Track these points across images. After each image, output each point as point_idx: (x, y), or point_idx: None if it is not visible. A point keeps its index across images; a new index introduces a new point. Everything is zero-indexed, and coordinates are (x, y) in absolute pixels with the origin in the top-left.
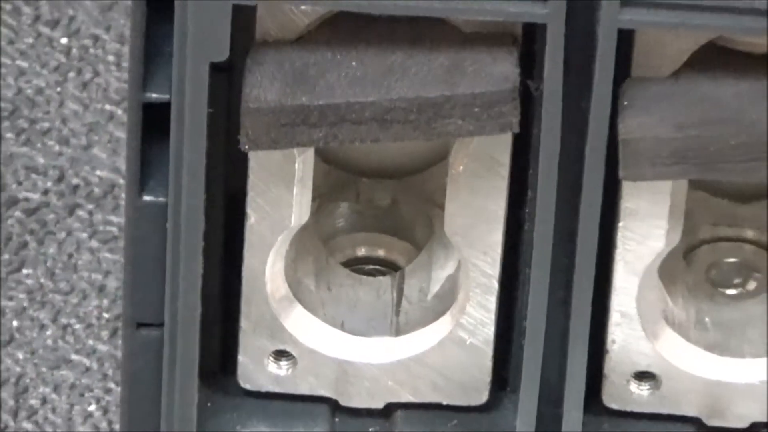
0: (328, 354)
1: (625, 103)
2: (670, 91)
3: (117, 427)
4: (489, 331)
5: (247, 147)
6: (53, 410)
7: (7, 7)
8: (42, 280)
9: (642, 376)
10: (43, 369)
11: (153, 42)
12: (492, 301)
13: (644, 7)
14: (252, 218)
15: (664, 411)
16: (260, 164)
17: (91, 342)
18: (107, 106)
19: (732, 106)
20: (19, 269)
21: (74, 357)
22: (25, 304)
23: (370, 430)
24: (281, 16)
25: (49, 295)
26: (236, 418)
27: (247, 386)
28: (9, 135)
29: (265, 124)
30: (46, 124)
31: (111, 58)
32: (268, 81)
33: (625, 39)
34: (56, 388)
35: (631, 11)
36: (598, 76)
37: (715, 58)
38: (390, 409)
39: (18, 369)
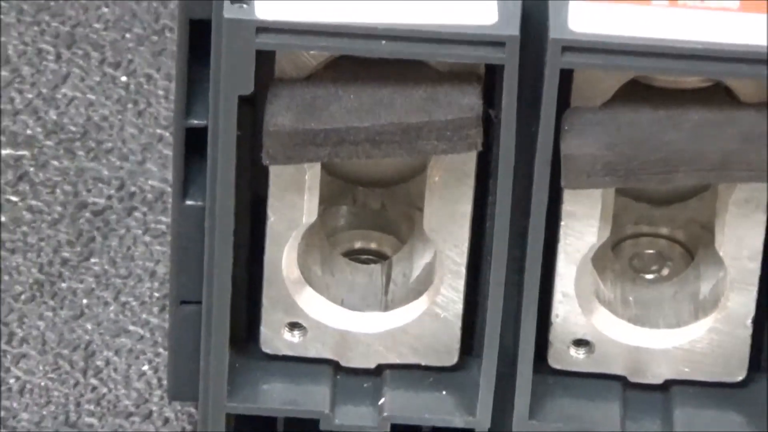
0: (331, 325)
1: (566, 127)
2: (602, 118)
3: (165, 383)
4: (458, 307)
5: (267, 162)
6: (114, 370)
7: (79, 52)
8: (106, 267)
9: (579, 343)
10: (107, 337)
11: (193, 79)
12: (461, 284)
13: (580, 52)
14: (272, 218)
15: (597, 371)
16: (278, 175)
17: (144, 316)
18: (158, 130)
19: (650, 130)
20: (87, 258)
21: (131, 328)
22: (93, 285)
23: (365, 385)
24: (295, 59)
25: (111, 279)
26: (259, 376)
27: (268, 351)
28: (80, 153)
29: (281, 144)
30: (110, 144)
31: (161, 92)
32: (284, 110)
33: (566, 77)
34: (117, 352)
35: (571, 55)
36: (544, 106)
37: (637, 92)
38: (380, 369)
39: (87, 337)
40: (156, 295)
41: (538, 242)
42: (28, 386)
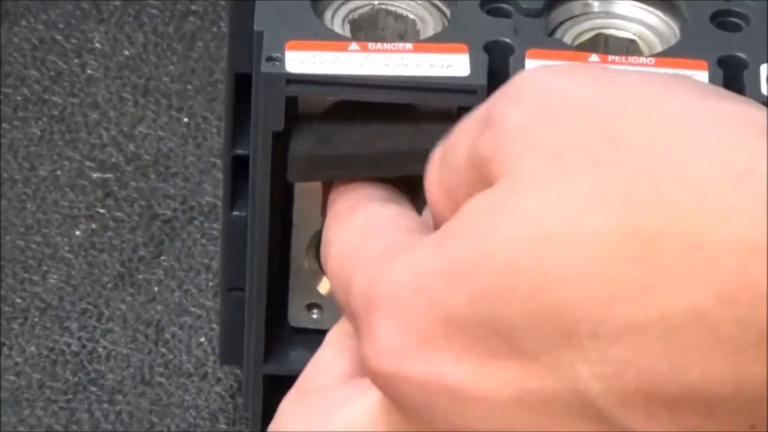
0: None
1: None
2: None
3: (216, 351)
4: None
5: (292, 180)
6: (179, 341)
7: (152, 99)
8: (172, 263)
9: None
10: (173, 316)
11: (238, 119)
12: None
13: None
14: (296, 222)
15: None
16: (301, 189)
17: (201, 300)
18: (211, 159)
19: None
20: (158, 256)
21: (191, 309)
22: (162, 277)
23: None
24: (313, 100)
25: (176, 272)
26: (288, 345)
27: (294, 325)
28: (153, 176)
29: (302, 167)
30: (175, 169)
31: (214, 129)
32: (304, 140)
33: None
34: (180, 327)
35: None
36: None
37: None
38: None
39: (158, 316)
40: (210, 284)
41: None
42: (113, 353)
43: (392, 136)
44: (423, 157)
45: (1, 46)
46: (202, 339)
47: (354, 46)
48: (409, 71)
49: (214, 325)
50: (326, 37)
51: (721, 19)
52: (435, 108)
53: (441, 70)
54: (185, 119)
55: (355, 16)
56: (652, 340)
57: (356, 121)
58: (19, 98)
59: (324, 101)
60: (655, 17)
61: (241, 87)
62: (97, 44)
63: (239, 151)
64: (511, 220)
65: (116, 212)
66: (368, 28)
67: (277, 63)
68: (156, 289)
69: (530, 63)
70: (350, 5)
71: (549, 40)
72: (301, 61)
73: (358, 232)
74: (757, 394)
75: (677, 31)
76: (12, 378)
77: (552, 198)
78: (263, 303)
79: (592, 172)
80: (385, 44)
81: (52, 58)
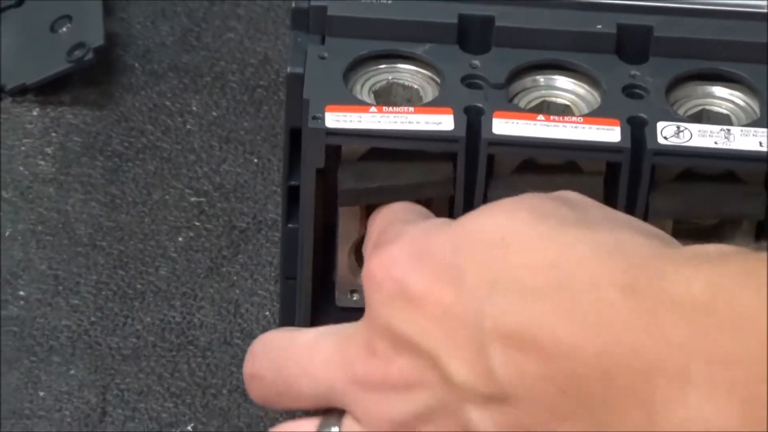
0: None
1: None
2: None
3: (277, 322)
4: None
5: (341, 205)
6: (251, 314)
7: (231, 146)
8: (246, 260)
9: None
10: (247, 296)
11: (292, 159)
12: None
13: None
14: (340, 232)
15: None
16: (344, 210)
17: (267, 285)
18: (273, 187)
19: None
20: (236, 255)
21: (260, 292)
22: (239, 270)
23: None
24: (352, 147)
25: (249, 266)
26: (334, 319)
27: (339, 305)
28: (232, 199)
29: (348, 196)
30: (248, 195)
31: (275, 167)
32: (348, 177)
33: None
34: (252, 305)
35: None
36: None
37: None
38: None
39: (236, 297)
40: (272, 274)
41: None
42: (204, 323)
43: (408, 172)
44: (431, 186)
45: (128, 109)
46: (267, 313)
47: (373, 109)
48: (411, 126)
49: (276, 303)
50: (353, 103)
51: (629, 90)
52: (433, 152)
53: (433, 126)
54: (255, 160)
55: (376, 88)
56: None
57: (383, 162)
58: (139, 145)
59: (359, 148)
60: (582, 89)
61: (295, 137)
62: (194, 108)
63: (293, 182)
64: None
65: (207, 225)
66: (385, 96)
67: (320, 120)
68: (235, 278)
69: (496, 121)
70: (372, 80)
71: (509, 105)
72: (336, 119)
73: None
74: None
75: (598, 99)
76: (134, 340)
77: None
78: (309, 287)
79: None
80: (394, 108)
81: (162, 117)
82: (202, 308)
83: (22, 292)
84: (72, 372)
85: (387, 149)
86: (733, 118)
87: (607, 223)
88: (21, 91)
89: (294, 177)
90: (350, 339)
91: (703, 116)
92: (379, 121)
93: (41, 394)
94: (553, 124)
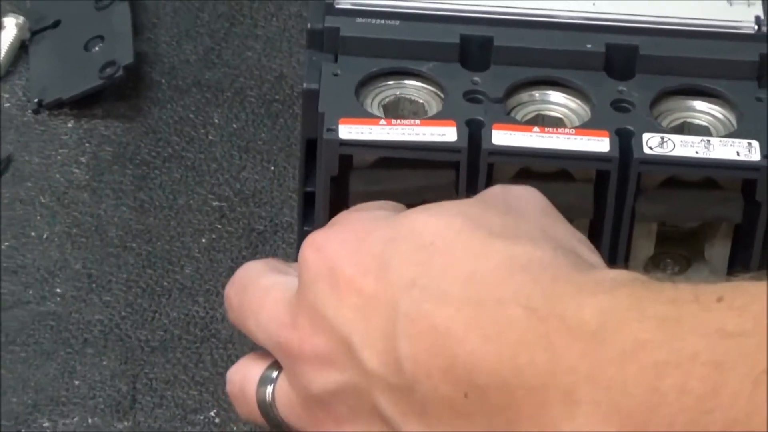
0: None
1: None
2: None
3: None
4: None
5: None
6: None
7: (250, 155)
8: (264, 254)
9: None
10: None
11: (308, 168)
12: None
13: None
14: None
15: None
16: None
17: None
18: (289, 193)
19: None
20: (254, 255)
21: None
22: (260, 257)
23: None
24: (363, 156)
25: (267, 259)
26: None
27: None
28: (251, 204)
29: (358, 198)
30: (265, 200)
31: (290, 174)
32: (360, 182)
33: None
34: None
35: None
36: None
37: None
38: None
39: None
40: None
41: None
42: (226, 318)
43: (413, 177)
44: (432, 190)
45: (155, 121)
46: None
47: (382, 121)
48: (418, 138)
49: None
50: (364, 116)
51: (617, 105)
52: (437, 160)
53: (438, 137)
54: (272, 168)
55: (385, 102)
56: None
57: (391, 169)
58: (166, 154)
59: (370, 157)
60: (573, 103)
61: (310, 147)
62: (216, 120)
63: (308, 189)
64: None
65: (228, 227)
66: (393, 109)
67: (334, 132)
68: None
69: (495, 133)
70: (381, 95)
71: (507, 118)
72: (349, 131)
73: None
74: None
75: (588, 112)
76: (161, 333)
77: None
78: None
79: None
80: (402, 120)
81: (187, 129)
82: (224, 304)
83: (58, 290)
84: (104, 363)
85: (395, 158)
86: (712, 129)
87: (529, 237)
88: (57, 105)
89: (309, 184)
90: (285, 305)
91: (684, 128)
92: (388, 133)
93: (76, 382)
94: (547, 135)
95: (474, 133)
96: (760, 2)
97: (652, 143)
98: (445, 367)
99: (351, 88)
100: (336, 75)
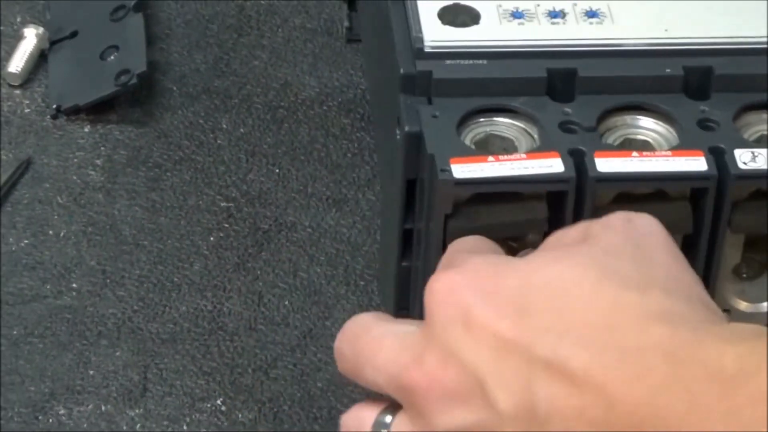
0: None
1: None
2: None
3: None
4: None
5: (450, 241)
6: (273, 303)
7: (256, 158)
8: (268, 257)
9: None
10: (269, 288)
11: (407, 207)
12: None
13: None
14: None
15: None
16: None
17: (286, 279)
18: (292, 194)
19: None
20: (260, 252)
21: (280, 284)
22: (262, 265)
23: None
24: (460, 193)
25: (270, 262)
26: None
27: None
28: (257, 205)
29: (457, 234)
30: (270, 201)
31: (294, 177)
32: (458, 218)
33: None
34: (273, 295)
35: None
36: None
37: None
38: None
39: (259, 289)
40: (291, 269)
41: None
42: (232, 311)
43: (508, 212)
44: (528, 224)
45: (167, 126)
46: (286, 302)
47: (491, 158)
48: (526, 171)
49: (294, 296)
50: (472, 154)
51: (704, 124)
52: (533, 192)
53: (546, 169)
54: (276, 170)
55: (476, 139)
56: None
57: (482, 204)
58: (177, 158)
59: (464, 193)
60: (659, 126)
61: (410, 186)
62: (224, 125)
63: (407, 226)
64: None
65: (235, 226)
66: (483, 146)
67: (448, 173)
68: (258, 272)
69: (598, 160)
70: (473, 133)
71: (605, 145)
72: (461, 170)
73: None
74: None
75: (674, 133)
76: (171, 326)
77: None
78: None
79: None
80: (509, 155)
81: (196, 134)
82: (230, 298)
83: (74, 285)
84: (117, 354)
85: (489, 193)
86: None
87: (663, 287)
88: (74, 111)
89: (407, 221)
90: (407, 345)
91: (763, 141)
92: (499, 169)
93: (91, 372)
94: (646, 158)
95: (578, 162)
96: None
97: (744, 158)
98: (581, 409)
99: (452, 128)
100: (435, 117)
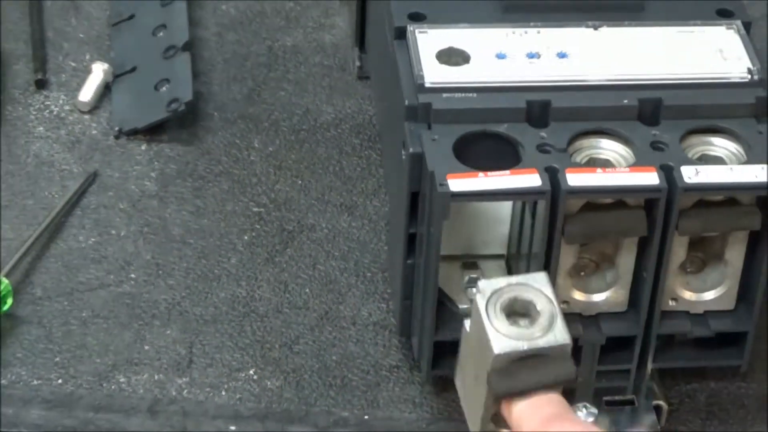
0: None
1: None
2: None
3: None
4: None
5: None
6: (296, 291)
7: (282, 172)
8: (293, 253)
9: None
10: (293, 278)
11: (411, 215)
12: None
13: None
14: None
15: None
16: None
17: (308, 271)
18: (312, 201)
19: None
20: (285, 249)
21: (302, 275)
22: (288, 260)
23: None
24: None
25: (295, 258)
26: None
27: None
28: (283, 210)
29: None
30: (294, 207)
31: (313, 186)
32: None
33: None
34: (297, 285)
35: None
36: None
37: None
38: None
39: (285, 279)
40: (312, 263)
41: None
42: (262, 297)
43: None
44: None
45: (209, 145)
46: (307, 290)
47: (481, 174)
48: (511, 185)
49: (314, 284)
50: (464, 171)
51: (655, 145)
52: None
53: (525, 183)
54: (299, 181)
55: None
56: None
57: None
58: (217, 171)
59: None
60: (618, 146)
61: (414, 197)
62: (256, 144)
63: (412, 230)
64: None
65: (265, 227)
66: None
67: (445, 186)
68: (284, 265)
69: (569, 176)
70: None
71: (575, 163)
72: (456, 184)
73: None
74: None
75: (631, 153)
76: (212, 309)
77: None
78: (434, 303)
79: None
80: (495, 172)
81: (233, 151)
82: (261, 287)
83: (132, 275)
84: (168, 332)
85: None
86: (726, 159)
87: None
88: (133, 133)
89: (412, 226)
90: None
91: (704, 159)
92: (487, 183)
93: (146, 347)
94: (609, 173)
95: (552, 177)
96: (747, 56)
97: (689, 174)
98: None
99: (449, 149)
100: (434, 140)
